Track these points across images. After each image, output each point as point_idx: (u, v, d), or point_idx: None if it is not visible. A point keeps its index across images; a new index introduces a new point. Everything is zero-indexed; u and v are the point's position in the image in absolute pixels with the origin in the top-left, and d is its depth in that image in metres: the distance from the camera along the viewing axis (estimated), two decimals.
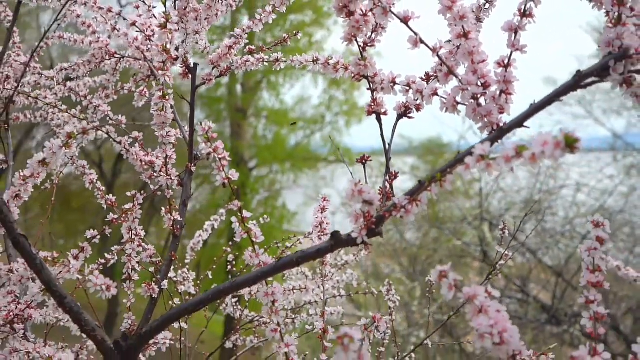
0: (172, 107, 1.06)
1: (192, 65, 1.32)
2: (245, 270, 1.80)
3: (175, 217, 1.18)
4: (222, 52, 1.37)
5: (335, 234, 0.74)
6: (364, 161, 0.93)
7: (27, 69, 1.40)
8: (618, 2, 0.66)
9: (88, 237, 1.09)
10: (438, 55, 0.78)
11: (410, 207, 0.68)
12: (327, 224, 1.05)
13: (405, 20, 0.78)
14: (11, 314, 1.10)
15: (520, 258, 6.79)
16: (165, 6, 1.05)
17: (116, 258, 1.30)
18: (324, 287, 1.26)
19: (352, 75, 0.88)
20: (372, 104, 0.88)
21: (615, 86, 0.67)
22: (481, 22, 0.89)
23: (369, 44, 0.85)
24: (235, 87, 9.86)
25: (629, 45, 0.65)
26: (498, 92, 0.74)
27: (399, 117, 0.87)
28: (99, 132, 1.29)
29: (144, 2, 1.23)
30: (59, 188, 1.55)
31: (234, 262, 1.99)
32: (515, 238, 1.73)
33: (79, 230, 9.33)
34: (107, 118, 1.47)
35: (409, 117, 0.88)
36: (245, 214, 0.81)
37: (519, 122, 0.70)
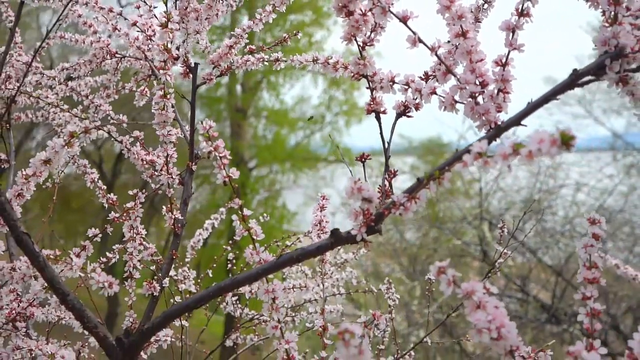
0: (173, 106, 1.07)
1: (192, 65, 1.33)
2: (245, 269, 1.81)
3: (176, 216, 1.19)
4: (223, 51, 1.38)
5: (335, 232, 0.75)
6: (363, 160, 0.94)
7: (29, 68, 1.41)
8: (614, 1, 0.66)
9: (89, 235, 1.10)
10: (436, 55, 0.79)
11: (409, 204, 0.69)
12: (326, 222, 1.06)
13: (404, 20, 0.79)
14: (13, 312, 1.10)
15: (520, 257, 6.80)
16: (166, 6, 1.06)
17: (117, 257, 1.31)
18: (323, 285, 1.27)
19: (352, 74, 0.89)
20: (372, 103, 0.89)
21: (611, 85, 0.68)
22: (480, 22, 0.90)
23: (368, 44, 0.86)
24: (235, 87, 9.87)
25: (625, 44, 0.66)
26: (496, 91, 0.75)
27: (398, 116, 0.88)
28: (100, 132, 1.30)
29: (144, 2, 1.24)
30: (59, 188, 1.56)
31: (234, 261, 2.00)
32: (515, 237, 1.74)
33: (78, 230, 9.34)
34: (109, 117, 1.48)
35: (408, 116, 0.89)
36: (246, 212, 0.82)
37: (517, 120, 0.71)
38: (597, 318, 0.72)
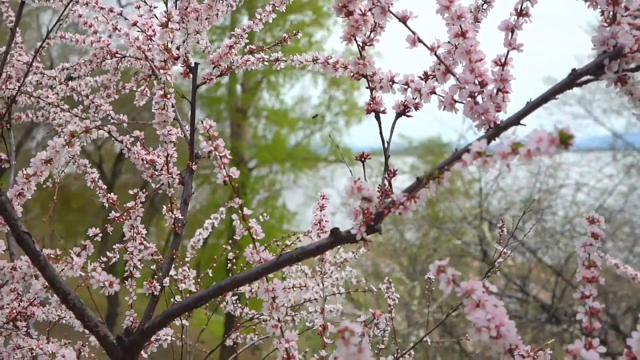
0: (173, 105, 1.07)
1: (192, 65, 1.33)
2: (245, 269, 1.81)
3: (177, 215, 1.19)
4: (223, 51, 1.39)
5: (334, 231, 0.75)
6: (363, 159, 0.94)
7: (30, 68, 1.41)
8: (613, 1, 0.67)
9: (90, 235, 1.10)
10: (436, 54, 0.79)
11: (408, 203, 0.69)
12: (326, 221, 1.06)
13: (403, 20, 0.79)
14: (14, 311, 1.11)
15: (520, 257, 6.81)
16: (166, 6, 1.07)
17: (117, 256, 1.32)
18: (323, 285, 1.27)
19: (351, 74, 0.89)
20: (371, 103, 0.89)
21: (610, 84, 0.68)
22: (479, 22, 0.90)
23: (367, 44, 0.86)
24: (235, 87, 9.88)
25: (624, 43, 0.66)
26: (495, 91, 0.75)
27: (398, 115, 0.88)
28: (101, 132, 1.30)
29: (145, 2, 1.24)
30: (59, 188, 1.56)
31: (234, 260, 2.00)
32: (514, 237, 1.74)
33: (78, 230, 9.35)
34: (109, 117, 1.48)
35: (408, 116, 0.89)
36: (246, 211, 0.82)
37: (516, 120, 0.71)
38: (596, 317, 0.73)
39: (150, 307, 1.10)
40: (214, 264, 1.88)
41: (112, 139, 1.29)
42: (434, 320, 5.36)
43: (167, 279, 1.16)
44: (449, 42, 0.78)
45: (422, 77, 0.85)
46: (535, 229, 6.51)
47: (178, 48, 1.25)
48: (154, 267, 1.27)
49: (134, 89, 1.53)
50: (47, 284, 0.95)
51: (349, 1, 0.78)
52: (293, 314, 1.70)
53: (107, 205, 1.29)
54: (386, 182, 0.85)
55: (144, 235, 1.18)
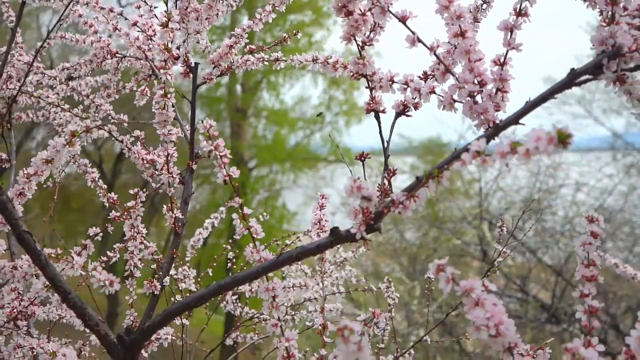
0: (173, 105, 1.07)
1: (193, 65, 1.33)
2: (245, 268, 1.81)
3: (177, 215, 1.19)
4: (223, 51, 1.39)
5: (334, 230, 0.75)
6: (362, 158, 0.94)
7: (31, 68, 1.42)
8: (611, 1, 0.67)
9: (90, 234, 1.10)
10: (435, 54, 0.80)
11: (408, 202, 0.69)
12: (325, 221, 1.06)
13: (403, 20, 0.79)
14: (15, 310, 1.11)
15: (520, 257, 6.81)
16: (167, 5, 1.07)
17: (118, 256, 1.32)
18: (323, 284, 1.27)
19: (351, 73, 0.90)
20: (371, 102, 0.89)
21: (608, 84, 0.68)
22: (478, 22, 0.91)
23: (367, 43, 0.86)
24: (235, 87, 9.88)
25: (622, 43, 0.66)
26: (494, 90, 0.75)
27: (397, 115, 0.89)
28: (100, 131, 1.30)
29: (145, 2, 1.24)
30: (59, 189, 1.56)
31: (234, 260, 2.01)
32: (514, 236, 1.74)
33: (78, 230, 9.34)
34: (109, 117, 1.48)
35: (407, 115, 0.89)
36: (246, 210, 0.83)
37: (515, 119, 0.71)
38: (596, 316, 0.73)
39: (151, 306, 1.10)
40: (214, 264, 1.88)
41: (113, 138, 1.29)
42: (433, 320, 5.37)
43: (167, 278, 1.17)
44: (448, 42, 0.78)
45: (422, 76, 0.85)
46: (535, 228, 6.51)
47: (178, 48, 1.26)
48: (154, 266, 1.27)
49: (134, 88, 1.54)
50: (47, 283, 0.95)
51: (349, 1, 0.78)
52: (293, 313, 1.70)
53: (107, 205, 1.29)
54: (386, 181, 0.86)
55: (144, 235, 1.18)
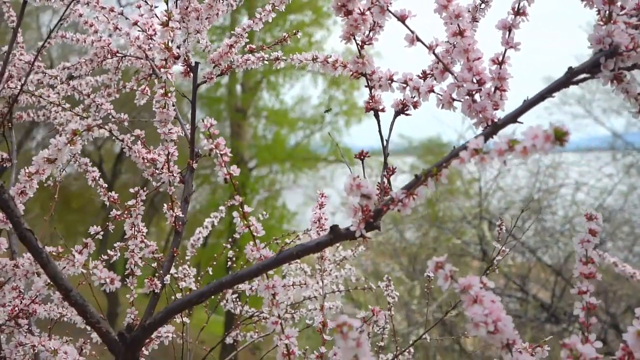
0: (173, 104, 1.08)
1: (193, 64, 1.34)
2: (245, 267, 1.82)
3: (177, 214, 1.20)
4: (223, 50, 1.39)
5: (334, 228, 0.75)
6: (362, 157, 0.95)
7: (32, 67, 1.42)
8: (608, 0, 0.67)
9: (91, 233, 1.11)
10: (434, 53, 0.80)
11: (407, 200, 0.70)
12: (325, 219, 1.07)
13: (402, 19, 0.80)
14: (16, 308, 1.12)
15: (520, 257, 6.82)
16: (167, 5, 1.07)
17: (118, 255, 1.32)
18: (322, 283, 1.28)
19: (351, 72, 0.90)
20: (370, 101, 0.90)
21: (606, 82, 0.69)
22: (477, 21, 0.91)
23: (367, 43, 0.87)
24: (235, 87, 9.89)
25: (619, 42, 0.67)
26: (493, 89, 0.76)
27: (397, 114, 0.89)
28: (101, 131, 1.30)
29: (145, 1, 1.25)
30: (59, 189, 1.57)
31: (234, 259, 2.01)
32: (514, 236, 1.75)
33: (78, 230, 9.35)
34: (110, 116, 1.49)
35: (407, 114, 0.90)
36: (246, 209, 0.83)
37: (513, 118, 0.72)
38: (595, 315, 0.73)
39: (152, 304, 1.10)
40: (214, 262, 1.89)
41: (113, 137, 1.30)
42: (433, 319, 5.37)
43: (167, 277, 1.17)
44: (447, 41, 0.79)
45: (421, 75, 0.86)
46: (535, 228, 6.52)
47: (178, 47, 1.26)
48: (154, 265, 1.28)
49: (135, 88, 1.54)
50: (49, 281, 0.96)
51: (348, 0, 0.78)
52: (293, 311, 1.71)
53: (107, 204, 1.29)
54: (385, 179, 0.86)
55: (144, 234, 1.19)
